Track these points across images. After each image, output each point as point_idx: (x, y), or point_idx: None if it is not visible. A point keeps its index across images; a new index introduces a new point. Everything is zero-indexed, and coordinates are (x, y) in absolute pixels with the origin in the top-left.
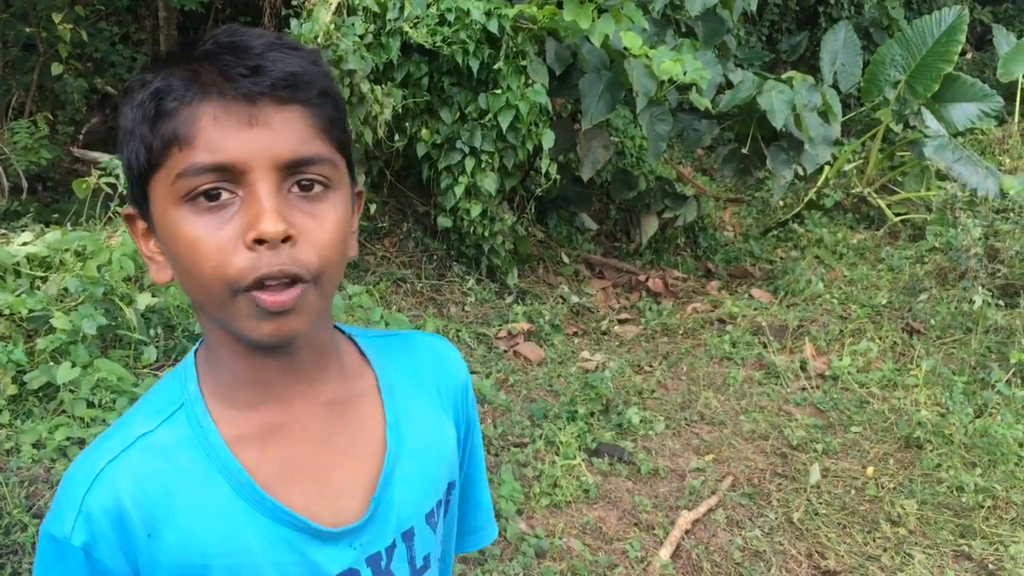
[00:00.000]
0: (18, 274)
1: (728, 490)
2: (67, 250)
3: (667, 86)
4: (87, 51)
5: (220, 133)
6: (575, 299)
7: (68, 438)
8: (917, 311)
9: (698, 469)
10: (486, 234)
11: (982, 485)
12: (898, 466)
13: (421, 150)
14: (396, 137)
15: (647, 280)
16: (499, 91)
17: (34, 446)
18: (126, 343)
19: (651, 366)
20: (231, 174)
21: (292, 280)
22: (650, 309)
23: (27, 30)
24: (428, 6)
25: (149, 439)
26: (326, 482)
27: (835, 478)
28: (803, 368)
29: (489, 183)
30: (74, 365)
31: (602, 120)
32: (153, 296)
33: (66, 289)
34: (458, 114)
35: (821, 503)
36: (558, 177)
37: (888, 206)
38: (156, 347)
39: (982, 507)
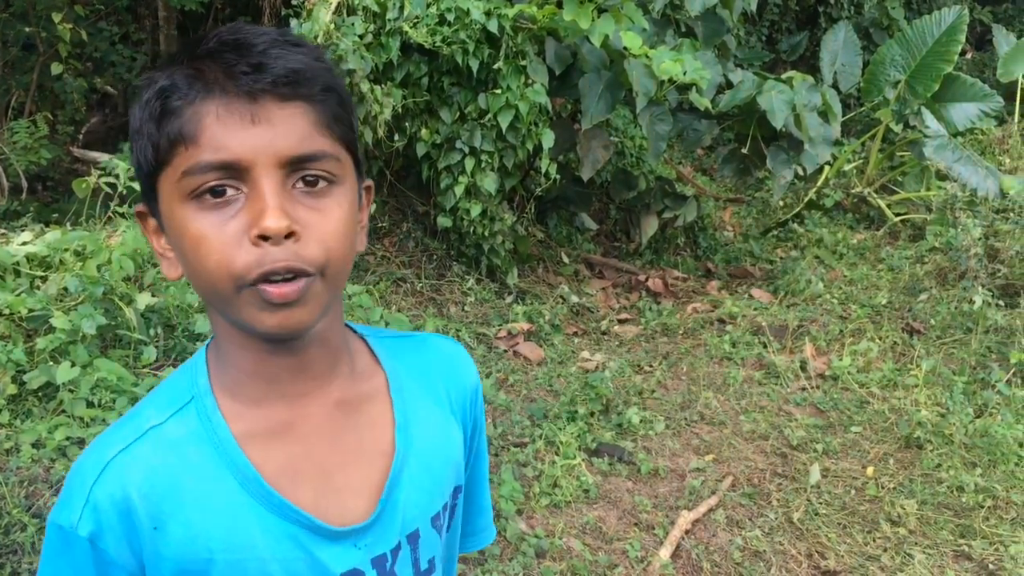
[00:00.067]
0: (18, 274)
1: (728, 490)
2: (67, 250)
3: (667, 86)
4: (87, 51)
5: (223, 131)
6: (575, 299)
7: (68, 438)
8: (917, 311)
9: (698, 469)
10: (486, 234)
11: (982, 485)
12: (898, 466)
13: (421, 150)
14: (396, 137)
15: (647, 280)
16: (499, 91)
17: (34, 446)
18: (126, 343)
19: (651, 366)
20: (235, 171)
21: (296, 275)
22: (650, 309)
23: (27, 30)
24: (428, 6)
25: (159, 431)
26: (333, 481)
27: (835, 478)
28: (803, 368)
29: (489, 183)
30: (74, 365)
31: (602, 120)
32: (153, 296)
33: (66, 289)
34: (458, 114)
35: (821, 503)
36: (558, 177)
37: (888, 206)
38: (156, 347)
39: (982, 507)
